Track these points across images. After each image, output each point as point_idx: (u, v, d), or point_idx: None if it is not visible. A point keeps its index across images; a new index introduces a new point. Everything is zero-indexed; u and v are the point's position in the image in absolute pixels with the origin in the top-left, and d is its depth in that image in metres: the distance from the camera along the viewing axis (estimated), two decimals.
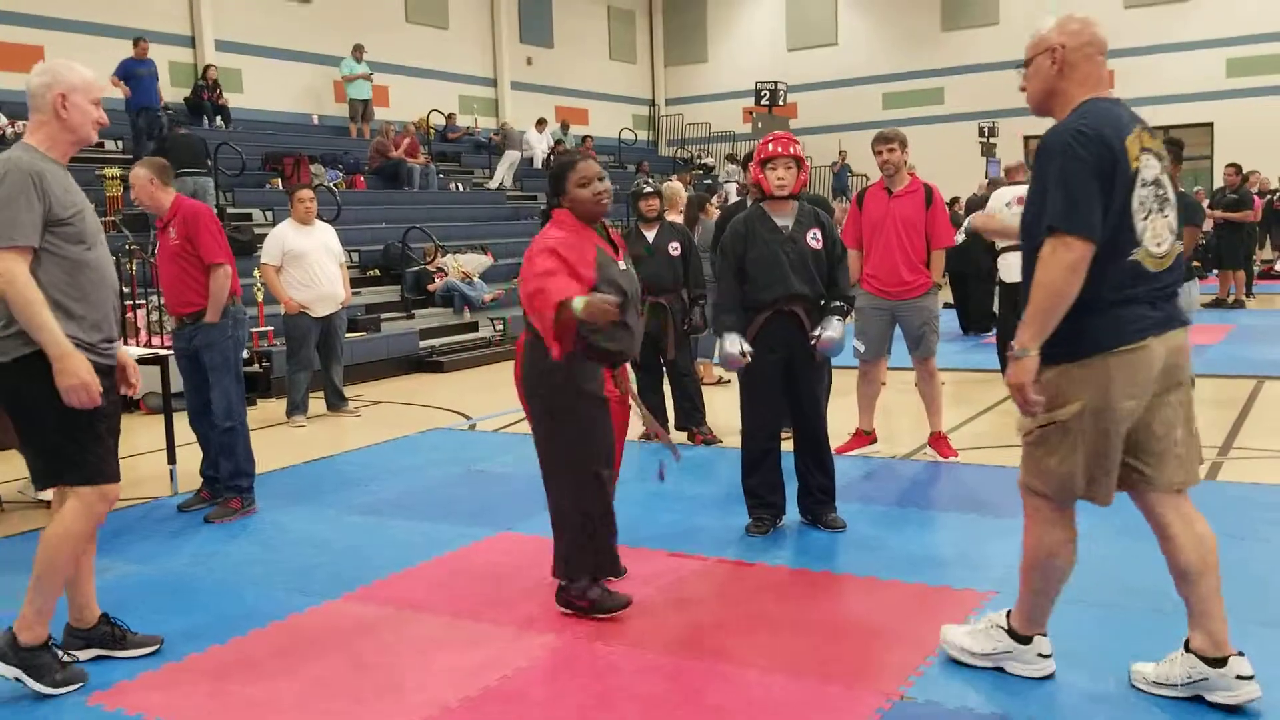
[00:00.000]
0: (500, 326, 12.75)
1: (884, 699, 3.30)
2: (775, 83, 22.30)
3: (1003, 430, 6.95)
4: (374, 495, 6.11)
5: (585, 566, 4.06)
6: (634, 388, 4.29)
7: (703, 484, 6.07)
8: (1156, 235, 3.08)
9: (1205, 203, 14.80)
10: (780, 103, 22.32)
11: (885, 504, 5.52)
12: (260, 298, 10.23)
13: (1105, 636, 3.69)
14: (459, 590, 4.42)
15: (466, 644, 3.86)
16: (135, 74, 14.46)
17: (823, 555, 4.74)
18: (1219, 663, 3.13)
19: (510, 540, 5.08)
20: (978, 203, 13.29)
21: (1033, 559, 3.29)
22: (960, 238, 6.64)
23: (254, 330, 9.88)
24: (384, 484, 6.37)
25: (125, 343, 9.15)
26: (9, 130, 13.24)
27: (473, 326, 13.07)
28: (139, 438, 8.07)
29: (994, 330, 10.06)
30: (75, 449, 3.52)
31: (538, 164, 20.47)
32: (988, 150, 22.09)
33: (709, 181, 21.44)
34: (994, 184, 12.41)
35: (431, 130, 20.25)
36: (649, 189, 7.23)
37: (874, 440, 6.68)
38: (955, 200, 16.55)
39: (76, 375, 3.41)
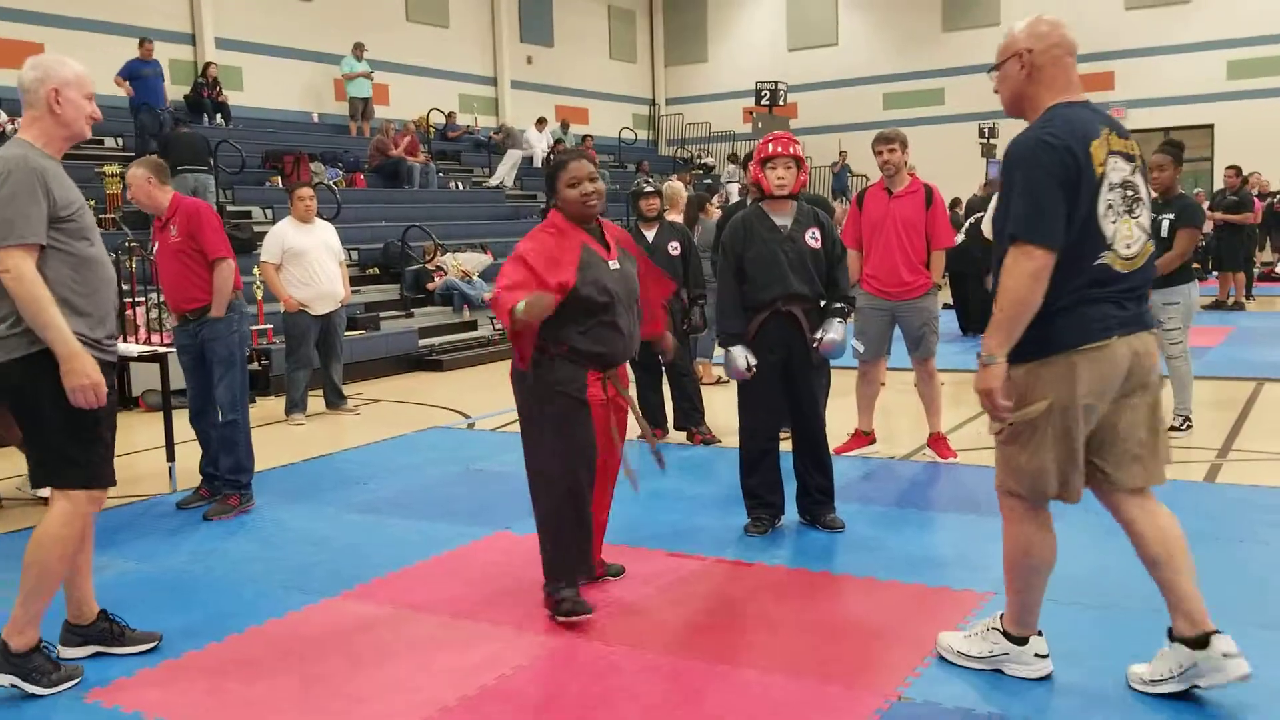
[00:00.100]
0: (499, 326, 12.75)
1: (883, 699, 3.30)
2: (775, 83, 22.30)
3: None
4: (373, 494, 6.11)
5: (553, 567, 4.03)
6: (631, 390, 4.25)
7: (702, 484, 6.07)
8: (1126, 237, 3.13)
9: (1205, 205, 14.79)
10: (780, 103, 22.32)
11: (884, 504, 5.52)
12: (260, 295, 10.23)
13: (1103, 637, 3.69)
14: (457, 589, 4.42)
15: (465, 643, 3.85)
16: (140, 74, 14.52)
17: (822, 555, 4.74)
18: (1201, 643, 3.17)
19: (509, 539, 5.08)
20: (978, 204, 13.30)
21: (1011, 559, 3.33)
22: (960, 238, 6.65)
23: (253, 328, 9.87)
24: (383, 482, 6.37)
25: (124, 340, 9.19)
26: (8, 127, 13.23)
27: (472, 325, 13.07)
28: (138, 435, 8.07)
29: None
30: (78, 449, 3.51)
31: (537, 163, 20.46)
32: (988, 151, 22.10)
33: (709, 181, 21.43)
34: (993, 185, 12.40)
35: (431, 129, 20.24)
36: (649, 188, 7.23)
37: (873, 441, 6.68)
38: (956, 201, 16.54)
39: (86, 375, 3.40)
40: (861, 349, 6.45)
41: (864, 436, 6.67)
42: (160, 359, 6.49)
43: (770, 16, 27.15)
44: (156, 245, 5.85)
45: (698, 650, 3.71)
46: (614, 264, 4.02)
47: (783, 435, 5.15)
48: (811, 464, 5.08)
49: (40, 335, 3.38)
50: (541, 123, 21.57)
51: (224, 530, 5.44)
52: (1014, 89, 3.23)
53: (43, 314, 3.35)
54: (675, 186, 8.76)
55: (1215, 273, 15.72)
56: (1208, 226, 13.70)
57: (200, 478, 5.95)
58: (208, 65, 17.01)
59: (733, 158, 23.32)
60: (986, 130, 22.15)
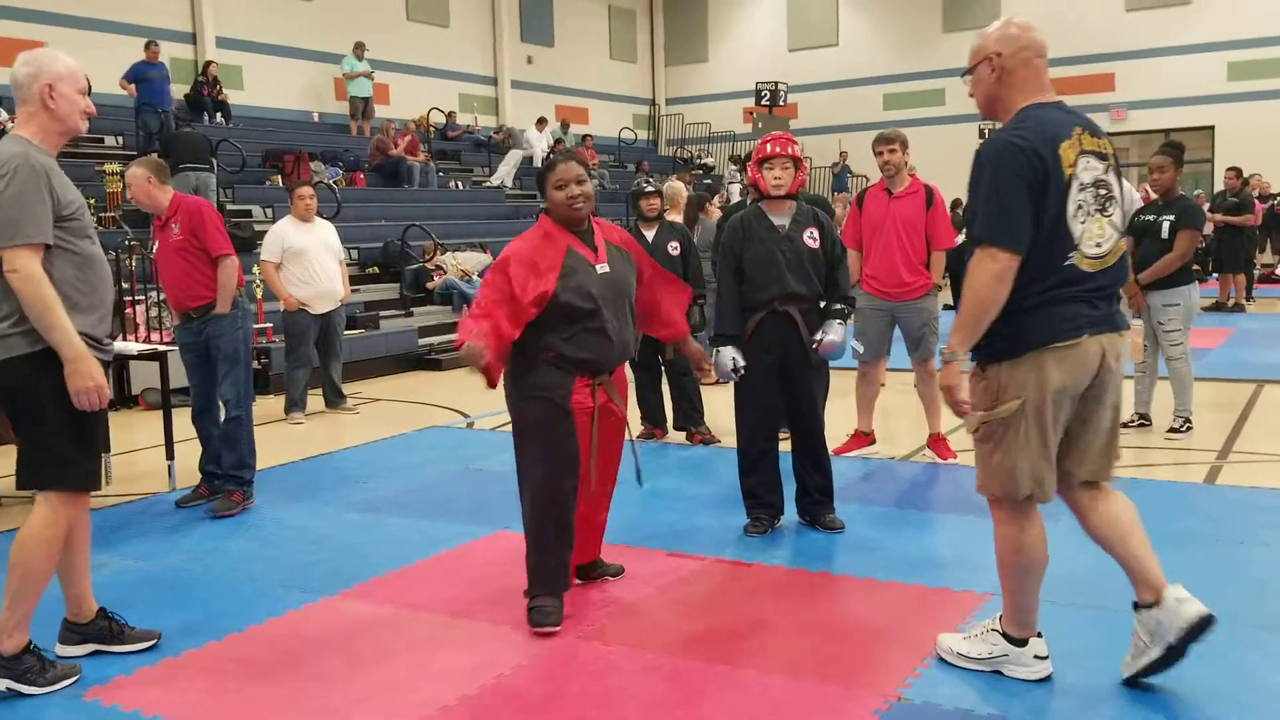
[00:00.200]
0: None
1: (882, 700, 3.30)
2: (776, 83, 22.31)
3: None
4: (372, 493, 6.10)
5: (533, 574, 3.99)
6: (614, 394, 4.08)
7: (701, 484, 6.06)
8: (1095, 236, 3.17)
9: (1206, 206, 14.80)
10: (781, 103, 22.33)
11: (884, 505, 5.52)
12: (260, 294, 10.23)
13: (1101, 638, 3.68)
14: (457, 589, 4.41)
15: (464, 643, 3.85)
16: (146, 76, 14.56)
17: (821, 556, 4.74)
18: (1156, 604, 3.27)
19: (508, 539, 5.07)
20: None
21: (1002, 558, 3.36)
22: (960, 239, 6.65)
23: (253, 327, 9.87)
24: (382, 481, 6.37)
25: (124, 338, 9.19)
26: (9, 125, 13.24)
27: None
28: (137, 433, 8.07)
29: None
30: (73, 451, 3.48)
31: (538, 163, 20.44)
32: None
33: (709, 181, 21.43)
34: None
35: (431, 128, 20.24)
36: (650, 188, 7.23)
37: (873, 441, 6.68)
38: (957, 202, 16.53)
39: (91, 378, 3.39)
40: (861, 349, 6.45)
41: (864, 437, 6.66)
42: (160, 357, 6.49)
43: (770, 16, 27.14)
44: (157, 244, 5.85)
45: (697, 650, 3.71)
46: (602, 268, 3.95)
47: (782, 436, 5.15)
48: (810, 464, 5.07)
49: (45, 336, 3.36)
50: (542, 122, 21.57)
51: (223, 529, 5.44)
52: (986, 92, 3.29)
53: (49, 315, 3.33)
54: (676, 186, 8.76)
55: (1215, 274, 15.72)
56: (1208, 228, 13.71)
57: (200, 476, 5.95)
58: (208, 64, 17.01)
59: (735, 158, 23.33)
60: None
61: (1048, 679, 3.37)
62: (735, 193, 18.65)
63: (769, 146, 4.97)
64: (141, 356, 6.71)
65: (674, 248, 7.09)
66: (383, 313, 12.29)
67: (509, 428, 4.15)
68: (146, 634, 3.87)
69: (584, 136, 22.88)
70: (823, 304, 5.00)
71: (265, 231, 9.18)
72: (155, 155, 9.07)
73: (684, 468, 6.57)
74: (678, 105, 28.29)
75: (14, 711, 3.39)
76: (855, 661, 3.61)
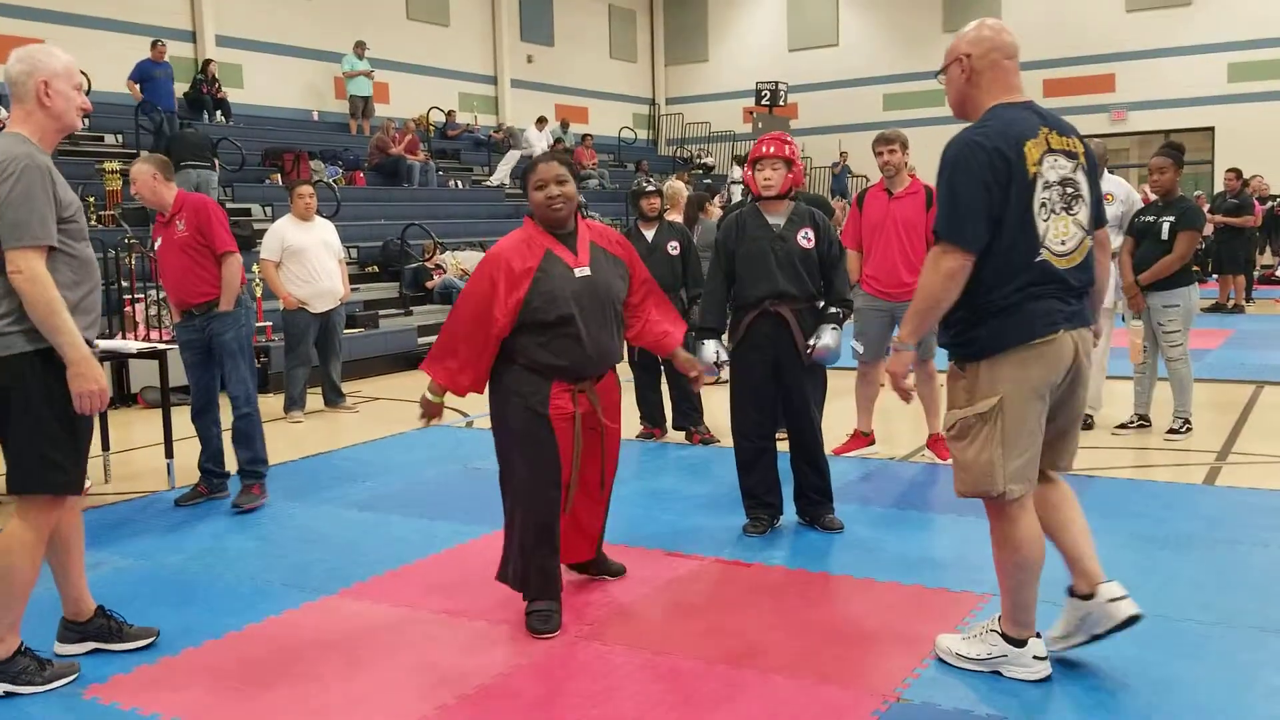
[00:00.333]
0: None
1: (881, 700, 3.30)
2: (776, 83, 22.28)
3: None
4: (371, 491, 6.10)
5: (524, 580, 3.97)
6: (597, 402, 4.00)
7: (700, 484, 6.06)
8: (1059, 234, 3.22)
9: (1206, 207, 14.81)
10: (781, 103, 22.30)
11: (883, 505, 5.52)
12: (259, 293, 10.22)
13: (1101, 638, 3.68)
14: (456, 587, 4.41)
15: (463, 641, 3.85)
16: (152, 75, 14.57)
17: (820, 556, 4.73)
18: (1090, 596, 3.37)
19: None
20: None
21: (998, 558, 3.39)
22: None
23: (255, 325, 9.88)
24: (381, 480, 6.37)
25: (124, 337, 9.19)
26: (4, 120, 13.24)
27: None
28: (136, 432, 8.07)
29: None
30: (63, 454, 3.44)
31: None
32: None
33: (708, 181, 21.43)
34: None
35: (431, 127, 20.24)
36: (650, 188, 7.23)
37: (872, 441, 6.68)
38: None
39: (95, 381, 3.38)
40: (861, 349, 6.45)
41: (863, 437, 6.66)
42: (159, 355, 6.49)
43: (771, 16, 27.13)
44: (160, 241, 5.85)
45: (696, 650, 3.71)
46: (581, 271, 3.88)
47: (780, 436, 5.15)
48: (806, 464, 5.07)
49: (50, 339, 3.33)
50: (541, 122, 21.57)
51: (222, 527, 5.44)
52: (957, 92, 3.37)
53: (55, 317, 3.30)
54: (676, 186, 8.77)
55: (1215, 275, 15.72)
56: (1208, 229, 13.72)
57: (199, 474, 5.95)
58: (208, 62, 17.01)
59: (738, 158, 23.34)
60: None
61: (1047, 679, 3.37)
62: (738, 193, 18.64)
63: (762, 148, 4.99)
64: (141, 355, 6.70)
65: (674, 247, 7.09)
66: (382, 312, 12.28)
67: None
68: (145, 631, 3.87)
69: (584, 136, 22.88)
70: (820, 305, 5.00)
71: (265, 230, 9.18)
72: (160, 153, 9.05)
73: (683, 467, 6.57)
74: (678, 105, 28.29)
75: (14, 711, 3.39)
76: (854, 662, 3.61)
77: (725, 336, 5.17)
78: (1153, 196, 7.05)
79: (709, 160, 24.96)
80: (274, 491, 6.04)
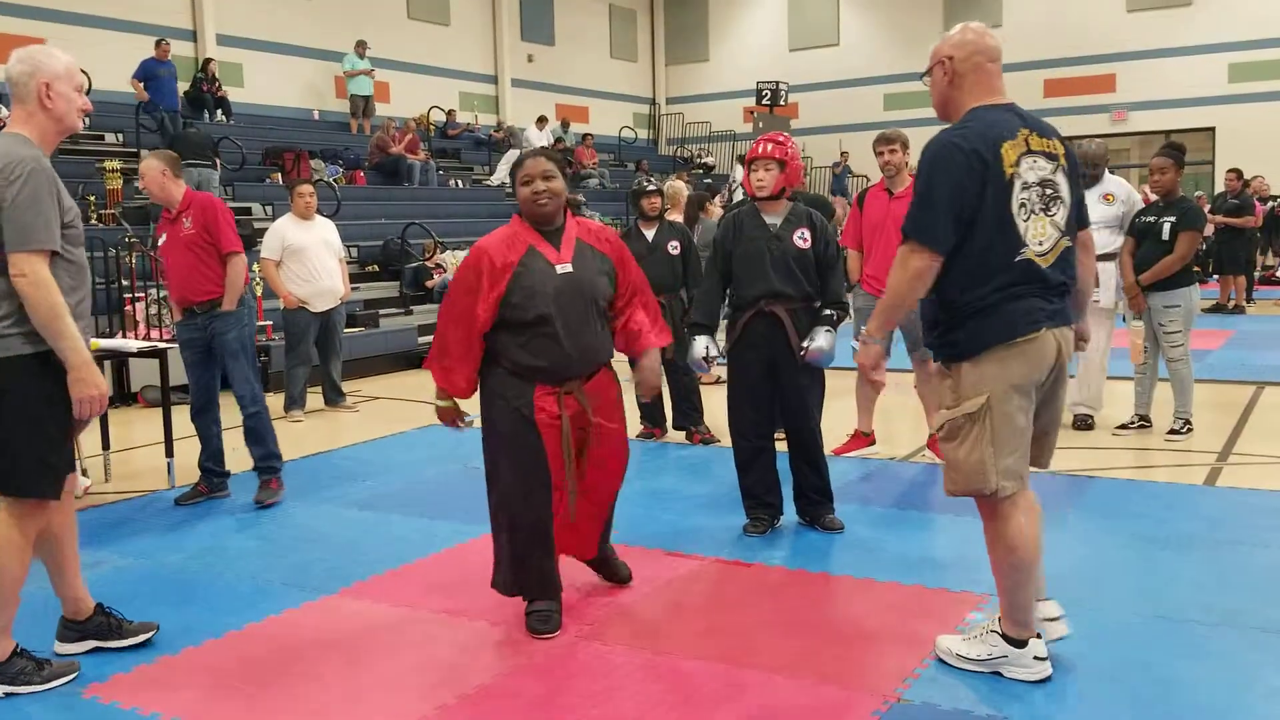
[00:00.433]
0: None
1: (881, 700, 3.29)
2: (776, 82, 22.28)
3: None
4: (371, 491, 6.10)
5: (518, 583, 3.95)
6: (587, 403, 3.92)
7: (700, 484, 6.06)
8: (1037, 235, 3.25)
9: (1206, 208, 14.81)
10: (781, 103, 22.31)
11: (883, 505, 5.52)
12: (259, 292, 10.22)
13: (1102, 639, 3.68)
14: (456, 587, 4.41)
15: (463, 641, 3.85)
16: (156, 74, 14.59)
17: (820, 556, 4.73)
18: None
19: None
20: None
21: (994, 557, 3.39)
22: None
23: (256, 324, 9.88)
24: (381, 480, 6.37)
25: (124, 335, 9.19)
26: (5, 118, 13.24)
27: None
28: (136, 431, 8.07)
29: None
30: (56, 456, 3.44)
31: None
32: None
33: (709, 181, 21.43)
34: None
35: (432, 127, 20.24)
36: (651, 187, 7.23)
37: (873, 442, 6.68)
38: None
39: (97, 386, 3.38)
40: (860, 349, 6.44)
41: (864, 437, 6.66)
42: (160, 355, 6.49)
43: (771, 16, 27.13)
44: (164, 238, 5.85)
45: (696, 650, 3.70)
46: (563, 267, 3.82)
47: (779, 436, 5.15)
48: (805, 464, 5.07)
49: (53, 343, 3.31)
50: (542, 121, 21.57)
51: (222, 527, 5.44)
52: (940, 94, 3.44)
53: (58, 322, 3.29)
54: (677, 186, 8.77)
55: (1216, 276, 15.72)
56: (1208, 230, 13.73)
57: (199, 473, 5.95)
58: (208, 61, 17.01)
59: (741, 159, 23.33)
60: None
61: (1047, 680, 3.37)
62: (740, 193, 18.63)
63: (757, 148, 5.00)
64: (141, 354, 6.70)
65: (674, 247, 7.09)
66: (382, 311, 12.29)
67: None
68: (144, 626, 3.86)
69: (584, 135, 22.88)
70: (817, 305, 4.99)
71: (265, 229, 9.18)
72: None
73: (683, 467, 6.57)
74: (678, 104, 28.28)
75: (14, 711, 3.39)
76: (854, 662, 3.61)
77: (721, 335, 5.17)
78: (1153, 197, 7.05)
79: (709, 160, 24.95)
80: None
